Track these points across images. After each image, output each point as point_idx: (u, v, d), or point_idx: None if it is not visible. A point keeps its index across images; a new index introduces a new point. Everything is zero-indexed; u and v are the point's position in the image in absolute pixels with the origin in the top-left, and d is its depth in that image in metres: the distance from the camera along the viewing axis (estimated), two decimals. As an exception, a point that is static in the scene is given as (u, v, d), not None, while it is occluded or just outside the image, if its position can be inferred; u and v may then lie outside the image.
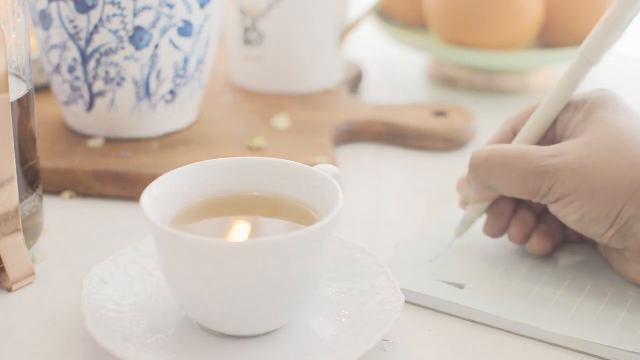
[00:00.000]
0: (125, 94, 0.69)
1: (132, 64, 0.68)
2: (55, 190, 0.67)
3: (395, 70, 0.94)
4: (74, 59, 0.68)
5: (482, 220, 0.60)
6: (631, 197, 0.52)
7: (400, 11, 0.92)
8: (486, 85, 0.87)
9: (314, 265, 0.49)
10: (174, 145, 0.71)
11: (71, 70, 0.69)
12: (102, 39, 0.67)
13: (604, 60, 0.57)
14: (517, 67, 0.85)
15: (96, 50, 0.68)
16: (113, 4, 0.66)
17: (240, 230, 0.53)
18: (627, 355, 0.50)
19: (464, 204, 0.60)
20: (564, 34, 0.84)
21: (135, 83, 0.69)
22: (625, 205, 0.52)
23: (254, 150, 0.70)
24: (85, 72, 0.69)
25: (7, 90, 0.53)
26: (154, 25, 0.67)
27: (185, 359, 0.48)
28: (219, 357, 0.49)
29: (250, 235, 0.53)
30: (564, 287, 0.55)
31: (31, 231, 0.58)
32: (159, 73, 0.69)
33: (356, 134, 0.76)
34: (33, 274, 0.56)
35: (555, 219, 0.58)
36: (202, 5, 0.69)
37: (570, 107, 0.57)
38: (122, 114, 0.70)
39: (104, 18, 0.66)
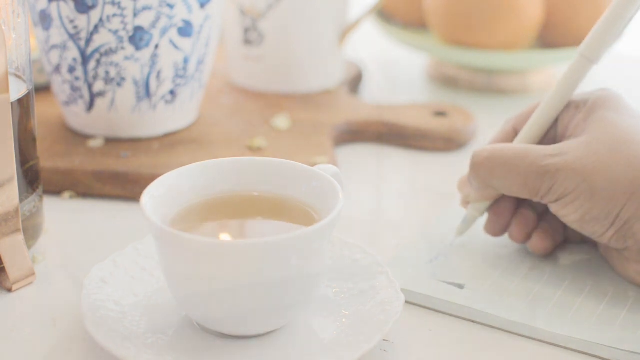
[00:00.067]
0: (125, 94, 0.69)
1: (132, 64, 0.68)
2: (55, 190, 0.67)
3: (395, 70, 0.94)
4: (74, 59, 0.68)
5: (483, 219, 0.60)
6: (631, 196, 0.52)
7: (400, 11, 0.92)
8: (486, 85, 0.87)
9: (314, 265, 0.49)
10: (174, 145, 0.71)
11: (71, 70, 0.69)
12: (102, 39, 0.67)
13: (603, 60, 0.57)
14: (517, 67, 0.85)
15: (96, 50, 0.68)
16: (113, 4, 0.66)
17: (240, 230, 0.53)
18: (627, 355, 0.50)
19: (465, 202, 0.60)
20: (564, 34, 0.84)
21: (135, 83, 0.69)
22: (625, 205, 0.52)
23: (254, 150, 0.70)
24: (85, 72, 0.69)
25: (7, 90, 0.53)
26: (154, 25, 0.67)
27: (185, 359, 0.48)
28: (219, 357, 0.49)
29: (250, 235, 0.53)
30: (564, 287, 0.55)
31: (31, 231, 0.58)
32: (159, 73, 0.69)
33: (356, 134, 0.76)
34: (33, 274, 0.56)
35: (556, 218, 0.58)
36: (202, 5, 0.69)
37: (571, 107, 0.57)
38: (122, 114, 0.70)
39: (104, 18, 0.66)
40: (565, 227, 0.59)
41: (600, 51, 0.56)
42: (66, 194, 0.67)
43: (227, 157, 0.54)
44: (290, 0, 0.78)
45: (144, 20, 0.67)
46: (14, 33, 0.55)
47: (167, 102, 0.71)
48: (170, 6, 0.67)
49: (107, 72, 0.68)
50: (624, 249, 0.54)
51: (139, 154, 0.69)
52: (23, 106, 0.56)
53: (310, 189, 0.52)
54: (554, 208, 0.55)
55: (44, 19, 0.68)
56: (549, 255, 0.59)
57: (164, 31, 0.68)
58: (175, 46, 0.69)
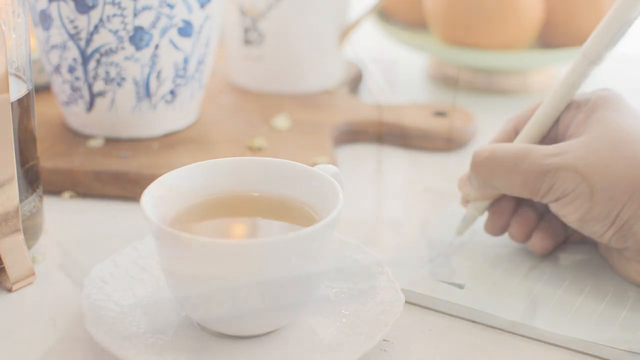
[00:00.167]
0: (125, 94, 0.69)
1: (132, 64, 0.68)
2: (55, 190, 0.67)
3: (395, 70, 0.94)
4: (74, 59, 0.68)
5: (483, 219, 0.60)
6: (631, 196, 0.52)
7: (400, 11, 0.92)
8: (486, 85, 0.87)
9: (314, 265, 0.49)
10: (174, 145, 0.71)
11: (71, 70, 0.69)
12: (102, 39, 0.67)
13: (605, 60, 0.57)
14: (517, 67, 0.85)
15: (96, 50, 0.68)
16: (113, 4, 0.66)
17: (240, 230, 0.53)
18: (627, 355, 0.50)
19: (465, 201, 0.60)
20: (564, 34, 0.84)
21: (135, 83, 0.69)
22: (625, 204, 0.52)
23: (254, 150, 0.70)
24: (85, 72, 0.69)
25: (7, 90, 0.53)
26: (154, 25, 0.67)
27: (185, 359, 0.48)
28: (219, 357, 0.48)
29: (250, 235, 0.53)
30: (564, 286, 0.55)
31: (31, 231, 0.58)
32: (159, 73, 0.69)
33: (356, 134, 0.76)
34: (33, 274, 0.56)
35: (556, 217, 0.58)
36: (202, 5, 0.69)
37: (572, 107, 0.57)
38: (122, 114, 0.70)
39: (104, 18, 0.66)
40: (565, 226, 0.59)
41: (603, 52, 0.55)
42: (66, 194, 0.67)
43: (227, 157, 0.54)
44: (290, 0, 0.78)
45: (144, 20, 0.67)
46: (14, 33, 0.55)
47: (167, 102, 0.71)
48: (170, 6, 0.67)
49: (107, 72, 0.68)
50: (624, 248, 0.54)
51: (139, 154, 0.69)
52: (23, 106, 0.56)
53: (310, 189, 0.52)
54: (554, 208, 0.55)
55: (44, 19, 0.68)
56: (549, 255, 0.59)
57: (164, 31, 0.68)
58: (175, 46, 0.69)
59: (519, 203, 0.59)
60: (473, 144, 0.76)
